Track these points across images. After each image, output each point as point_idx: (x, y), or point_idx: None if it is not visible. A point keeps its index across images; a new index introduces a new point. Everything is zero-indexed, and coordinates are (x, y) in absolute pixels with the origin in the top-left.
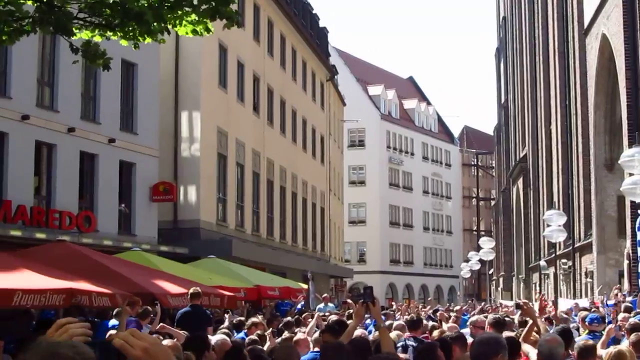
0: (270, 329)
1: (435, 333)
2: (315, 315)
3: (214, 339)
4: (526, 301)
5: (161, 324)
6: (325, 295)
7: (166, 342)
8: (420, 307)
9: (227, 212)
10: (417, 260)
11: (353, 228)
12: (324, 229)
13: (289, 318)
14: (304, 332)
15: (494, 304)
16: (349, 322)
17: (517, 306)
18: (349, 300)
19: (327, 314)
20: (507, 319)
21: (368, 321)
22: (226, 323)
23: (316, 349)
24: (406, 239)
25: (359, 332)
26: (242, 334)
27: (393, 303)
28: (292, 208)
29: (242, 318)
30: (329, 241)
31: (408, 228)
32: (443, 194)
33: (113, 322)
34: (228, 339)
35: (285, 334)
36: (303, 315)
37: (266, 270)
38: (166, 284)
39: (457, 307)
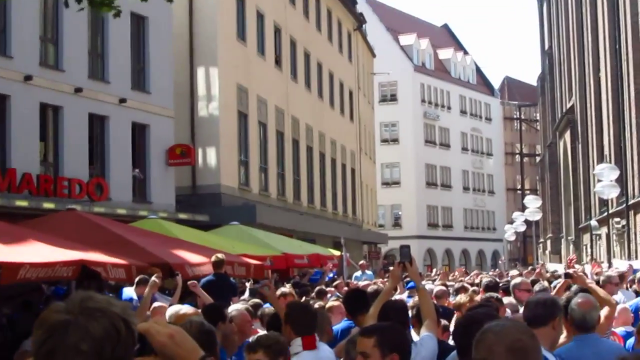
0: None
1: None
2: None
3: (231, 309)
4: (576, 269)
5: (192, 281)
6: (362, 262)
7: (186, 308)
8: (458, 274)
9: (249, 175)
10: (456, 223)
11: (387, 190)
12: (355, 191)
13: (321, 286)
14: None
15: (539, 269)
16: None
17: (567, 275)
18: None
19: (363, 282)
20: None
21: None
22: (247, 294)
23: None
24: (444, 200)
25: (401, 296)
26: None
27: (433, 270)
28: (320, 170)
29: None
30: (361, 205)
31: (446, 189)
32: (483, 150)
33: (128, 293)
34: (244, 309)
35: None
36: (335, 284)
37: (294, 237)
38: (186, 253)
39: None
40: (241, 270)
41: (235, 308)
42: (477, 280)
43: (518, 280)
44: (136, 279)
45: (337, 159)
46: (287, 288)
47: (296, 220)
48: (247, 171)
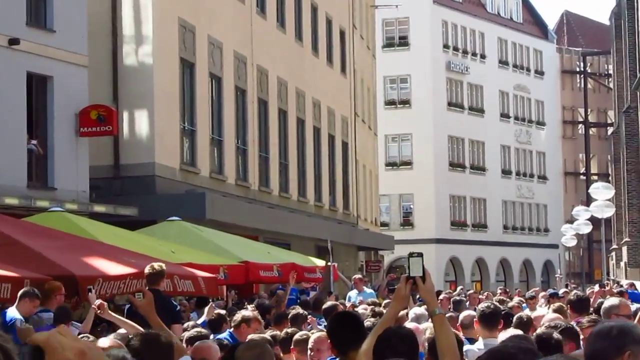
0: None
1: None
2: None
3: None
4: None
5: (99, 301)
6: (357, 276)
7: (105, 341)
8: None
9: (196, 151)
10: (492, 221)
11: (393, 174)
12: (348, 175)
13: (298, 311)
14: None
15: (611, 285)
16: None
17: None
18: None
19: (359, 303)
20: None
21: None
22: (193, 320)
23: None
24: (476, 188)
25: (411, 325)
26: (225, 335)
27: (458, 289)
28: (299, 144)
29: (222, 311)
30: (356, 195)
31: (478, 172)
32: (532, 118)
33: (12, 314)
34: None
35: (298, 334)
36: (327, 305)
37: (259, 239)
38: (104, 262)
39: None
40: (185, 286)
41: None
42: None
43: (615, 301)
44: (19, 293)
45: (322, 129)
46: (249, 311)
47: (263, 216)
48: (193, 145)
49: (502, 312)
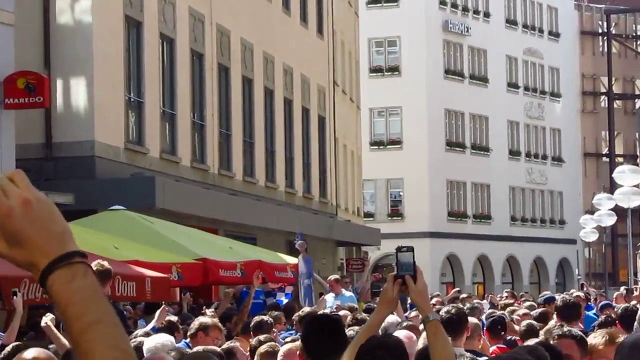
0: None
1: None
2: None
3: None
4: None
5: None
6: (333, 277)
7: (32, 352)
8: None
9: (145, 126)
10: (498, 212)
11: (379, 154)
12: (326, 155)
13: (263, 318)
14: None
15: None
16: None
17: None
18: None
19: (336, 309)
20: None
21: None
22: (141, 328)
23: None
24: (478, 173)
25: (401, 334)
26: (181, 345)
27: (453, 291)
28: (266, 118)
29: (173, 318)
30: (336, 179)
31: (481, 153)
32: (545, 88)
33: None
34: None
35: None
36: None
37: (219, 232)
38: None
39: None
40: (129, 289)
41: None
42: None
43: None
44: None
45: (294, 101)
46: (208, 317)
47: (224, 205)
48: (140, 120)
49: (495, 318)
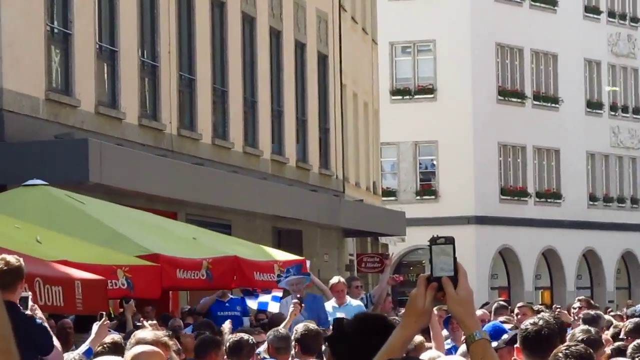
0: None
1: None
2: None
3: None
4: None
5: None
6: (336, 279)
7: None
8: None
9: (74, 68)
10: (571, 188)
11: (404, 107)
12: (329, 109)
13: (242, 337)
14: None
15: None
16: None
17: None
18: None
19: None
20: None
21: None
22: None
23: None
24: (543, 133)
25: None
26: None
27: (496, 302)
28: (245, 55)
29: (117, 336)
30: (342, 143)
31: (547, 106)
32: (638, 14)
33: None
34: None
35: None
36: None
37: (179, 217)
38: None
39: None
40: (51, 297)
41: None
42: None
43: None
44: None
45: (284, 32)
46: (150, 331)
47: (186, 179)
48: (67, 59)
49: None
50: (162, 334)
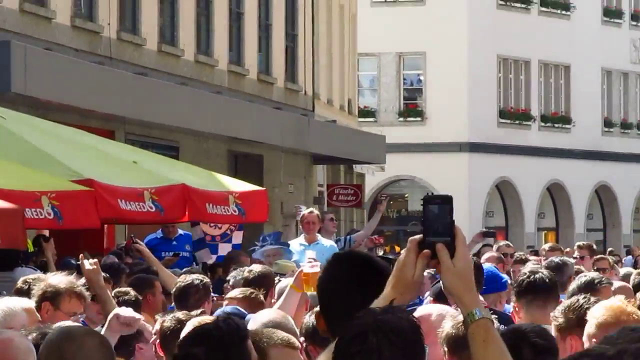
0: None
1: None
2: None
3: None
4: None
5: None
6: (308, 210)
7: None
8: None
9: None
10: (582, 111)
11: (386, 10)
12: (297, 12)
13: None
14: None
15: None
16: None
17: None
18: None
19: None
20: None
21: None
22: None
23: None
24: (550, 44)
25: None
26: None
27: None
28: None
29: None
30: (313, 53)
31: (556, 13)
32: None
33: None
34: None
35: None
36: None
37: (117, 136)
38: None
39: None
40: None
41: None
42: None
43: None
44: None
45: None
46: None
47: (126, 91)
48: None
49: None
50: (78, 281)
